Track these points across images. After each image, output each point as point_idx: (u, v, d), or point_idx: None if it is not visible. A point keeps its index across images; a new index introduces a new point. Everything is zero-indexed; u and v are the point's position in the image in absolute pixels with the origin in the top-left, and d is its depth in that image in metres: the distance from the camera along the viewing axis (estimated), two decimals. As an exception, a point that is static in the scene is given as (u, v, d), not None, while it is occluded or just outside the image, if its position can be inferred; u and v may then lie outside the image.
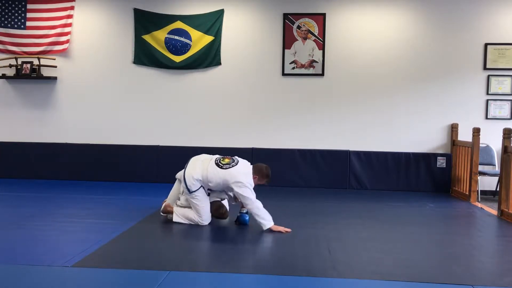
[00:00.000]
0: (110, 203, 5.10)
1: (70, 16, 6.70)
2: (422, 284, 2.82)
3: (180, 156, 6.48)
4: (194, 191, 4.14)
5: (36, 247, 3.45)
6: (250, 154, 6.41)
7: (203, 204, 4.18)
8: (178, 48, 6.61)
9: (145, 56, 6.67)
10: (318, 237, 3.84)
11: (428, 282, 2.85)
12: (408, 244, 3.73)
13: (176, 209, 4.33)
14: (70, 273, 2.91)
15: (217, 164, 4.16)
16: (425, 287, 2.78)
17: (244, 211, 4.23)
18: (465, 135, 6.17)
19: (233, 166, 4.13)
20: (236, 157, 4.32)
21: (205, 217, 4.19)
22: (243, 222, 4.21)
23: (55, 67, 6.73)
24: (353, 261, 3.25)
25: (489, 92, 6.36)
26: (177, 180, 4.64)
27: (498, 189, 5.30)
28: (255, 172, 4.20)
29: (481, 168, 6.03)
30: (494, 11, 6.31)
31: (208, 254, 3.44)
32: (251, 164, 4.33)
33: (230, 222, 4.34)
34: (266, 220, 3.98)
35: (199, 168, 4.17)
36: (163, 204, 4.52)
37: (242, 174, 4.08)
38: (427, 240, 3.91)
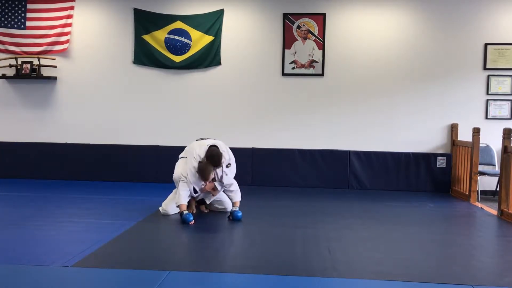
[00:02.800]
0: (110, 203, 5.11)
1: (70, 16, 6.70)
2: (422, 284, 2.82)
3: (180, 156, 6.53)
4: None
5: (36, 247, 3.45)
6: (250, 154, 6.41)
7: (180, 162, 4.69)
8: (178, 48, 6.61)
9: (145, 56, 6.67)
10: (318, 237, 3.84)
11: (428, 282, 2.85)
12: (408, 244, 3.73)
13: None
14: (70, 273, 2.91)
15: (201, 138, 4.73)
16: (425, 287, 2.78)
17: (237, 208, 4.46)
18: (465, 135, 6.17)
19: (203, 140, 4.65)
20: (221, 144, 4.60)
21: (177, 172, 4.61)
22: (236, 218, 4.37)
23: (55, 67, 6.73)
24: (353, 261, 3.25)
25: (489, 92, 6.36)
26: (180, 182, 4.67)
27: (498, 189, 5.30)
28: (207, 151, 4.43)
29: (481, 168, 6.02)
30: (494, 11, 6.31)
31: (208, 254, 3.44)
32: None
33: (230, 222, 4.34)
34: (178, 198, 4.36)
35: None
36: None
37: (199, 146, 4.50)
38: (427, 240, 3.91)
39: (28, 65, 6.69)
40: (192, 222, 4.20)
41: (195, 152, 4.43)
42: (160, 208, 4.65)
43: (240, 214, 4.39)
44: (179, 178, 4.49)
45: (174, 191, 4.66)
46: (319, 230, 4.05)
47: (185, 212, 4.27)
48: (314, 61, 6.51)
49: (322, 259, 3.25)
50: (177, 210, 4.46)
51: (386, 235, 3.98)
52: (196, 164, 4.35)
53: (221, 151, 4.42)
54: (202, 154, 4.41)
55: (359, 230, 4.14)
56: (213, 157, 4.35)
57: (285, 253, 3.39)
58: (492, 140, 6.20)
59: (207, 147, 4.44)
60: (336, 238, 3.81)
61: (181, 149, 6.46)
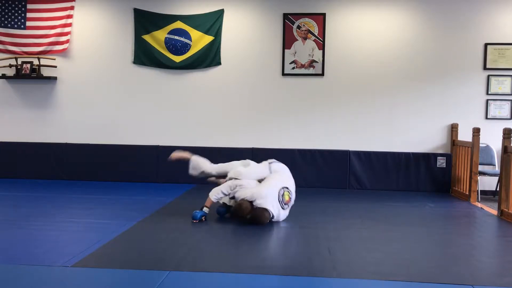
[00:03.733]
0: (110, 203, 5.10)
1: (70, 16, 6.70)
2: (422, 284, 2.82)
3: (180, 156, 6.52)
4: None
5: (36, 247, 3.45)
6: (250, 154, 6.40)
7: (257, 171, 4.67)
8: (178, 48, 6.61)
9: (145, 56, 6.67)
10: (318, 237, 3.84)
11: (428, 282, 2.85)
12: (408, 244, 3.73)
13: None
14: (70, 273, 2.91)
15: (278, 198, 4.34)
16: (425, 287, 2.78)
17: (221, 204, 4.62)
18: (465, 135, 6.17)
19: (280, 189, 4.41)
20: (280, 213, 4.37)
21: (246, 176, 4.50)
22: (217, 213, 4.56)
23: (55, 67, 6.73)
24: (353, 261, 3.25)
25: (489, 92, 6.36)
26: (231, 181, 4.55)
27: (498, 189, 5.30)
28: (257, 210, 4.23)
29: (481, 168, 6.03)
30: (494, 11, 6.31)
31: (208, 254, 3.44)
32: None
33: (230, 223, 4.34)
34: (213, 194, 4.42)
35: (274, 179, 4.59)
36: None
37: (265, 195, 4.23)
38: (427, 240, 3.91)
39: (28, 65, 6.69)
40: (196, 221, 4.26)
41: (260, 192, 4.25)
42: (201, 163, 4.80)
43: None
44: (239, 180, 4.42)
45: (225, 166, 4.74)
46: (319, 230, 4.05)
47: (205, 209, 4.37)
48: (314, 61, 6.51)
49: (322, 259, 3.25)
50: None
51: (386, 235, 3.98)
52: (248, 196, 4.23)
53: (265, 221, 4.23)
54: (259, 202, 4.21)
55: (359, 230, 4.14)
56: (254, 219, 4.22)
57: (285, 253, 3.39)
58: (492, 140, 6.20)
59: (263, 209, 4.20)
60: (336, 238, 3.81)
61: (181, 149, 6.50)
